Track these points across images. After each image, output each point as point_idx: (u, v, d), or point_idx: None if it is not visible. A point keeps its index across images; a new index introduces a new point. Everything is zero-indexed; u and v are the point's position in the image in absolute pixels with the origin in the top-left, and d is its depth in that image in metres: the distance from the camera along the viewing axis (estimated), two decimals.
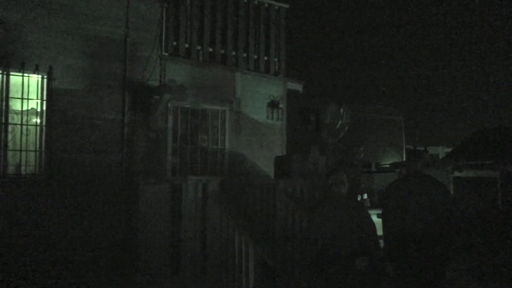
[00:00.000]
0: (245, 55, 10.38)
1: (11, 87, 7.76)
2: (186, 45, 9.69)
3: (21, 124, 7.76)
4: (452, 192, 11.64)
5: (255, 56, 10.54)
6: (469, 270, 8.73)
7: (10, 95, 7.74)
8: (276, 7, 10.83)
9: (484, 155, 15.57)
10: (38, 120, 8.07)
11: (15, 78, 7.79)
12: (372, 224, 5.36)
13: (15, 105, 7.80)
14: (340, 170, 5.46)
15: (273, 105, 10.44)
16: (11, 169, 7.77)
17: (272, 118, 10.46)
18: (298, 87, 11.19)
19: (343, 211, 5.26)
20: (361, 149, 10.20)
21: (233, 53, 10.23)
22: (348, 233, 5.17)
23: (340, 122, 8.55)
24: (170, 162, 9.28)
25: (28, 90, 7.84)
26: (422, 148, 25.71)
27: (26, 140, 7.78)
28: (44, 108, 8.03)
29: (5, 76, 7.69)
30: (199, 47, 9.84)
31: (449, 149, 23.47)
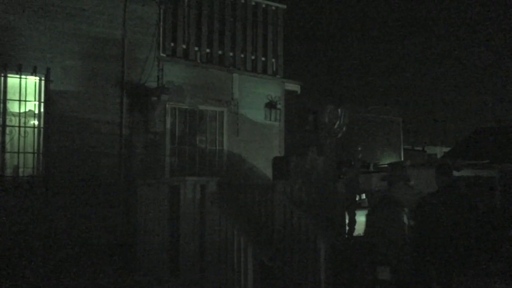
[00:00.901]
0: (242, 55, 10.39)
1: (9, 89, 7.75)
2: (184, 46, 9.70)
3: (19, 126, 7.75)
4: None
5: (253, 57, 10.55)
6: (466, 270, 8.71)
7: (8, 97, 7.73)
8: (274, 8, 10.84)
9: (483, 154, 15.59)
10: (36, 122, 8.06)
11: (13, 80, 7.78)
12: None
13: (13, 107, 7.79)
14: (403, 165, 5.56)
15: (271, 105, 10.45)
16: (9, 171, 7.77)
17: (270, 119, 10.47)
18: (295, 87, 11.20)
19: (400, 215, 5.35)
20: (359, 149, 10.21)
21: (231, 53, 10.24)
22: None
23: (338, 122, 8.55)
24: (168, 163, 9.28)
25: (26, 92, 7.84)
26: (420, 148, 25.78)
27: (24, 142, 7.77)
28: (42, 110, 8.02)
29: (2, 78, 7.69)
30: (196, 48, 9.84)
31: (447, 149, 23.49)
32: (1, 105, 7.68)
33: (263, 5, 10.71)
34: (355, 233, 9.03)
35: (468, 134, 21.77)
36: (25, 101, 7.84)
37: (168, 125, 9.29)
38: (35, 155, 7.95)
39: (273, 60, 10.81)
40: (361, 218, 9.17)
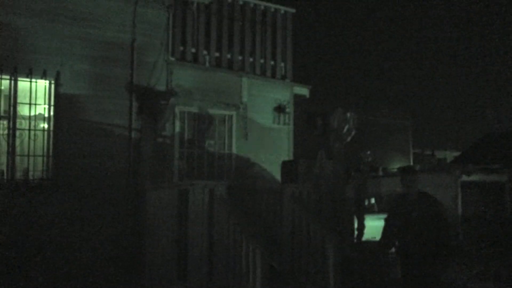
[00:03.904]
0: (251, 59, 10.39)
1: (19, 93, 7.80)
2: (193, 50, 9.72)
3: (29, 129, 7.80)
4: (459, 196, 11.58)
5: (262, 61, 10.55)
6: (476, 275, 8.67)
7: (18, 101, 7.78)
8: (283, 12, 10.84)
9: (492, 159, 15.50)
10: (46, 125, 8.10)
11: (23, 84, 7.83)
12: None
13: (23, 110, 7.83)
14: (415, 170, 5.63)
15: (279, 109, 10.44)
16: (19, 174, 7.80)
17: (279, 123, 10.46)
18: (304, 91, 11.19)
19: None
20: (368, 153, 10.15)
21: (240, 57, 10.25)
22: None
23: (347, 126, 8.52)
24: (177, 167, 9.29)
25: (36, 95, 7.88)
26: (430, 152, 25.67)
27: (34, 145, 7.81)
28: (52, 113, 8.06)
29: (13, 81, 7.74)
30: (205, 52, 9.86)
31: (457, 153, 23.37)
32: (12, 108, 7.73)
33: (272, 9, 10.72)
34: (364, 237, 9.00)
35: (479, 139, 21.66)
36: (35, 104, 7.88)
37: (177, 129, 9.30)
38: (45, 158, 7.98)
39: (282, 64, 10.81)
40: (370, 223, 9.15)
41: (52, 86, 8.06)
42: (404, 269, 5.62)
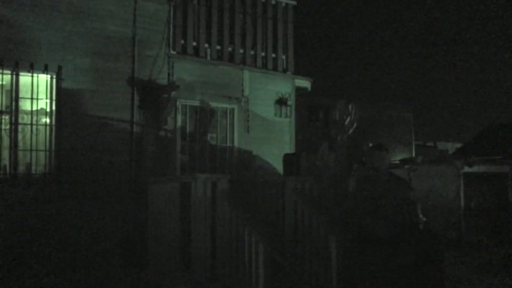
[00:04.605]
0: (252, 52, 10.38)
1: (21, 87, 7.80)
2: (194, 44, 9.71)
3: (31, 124, 7.81)
4: (462, 187, 11.58)
5: (263, 54, 10.53)
6: (479, 266, 8.69)
7: (20, 95, 7.79)
8: (284, 4, 10.81)
9: (495, 150, 15.49)
10: (48, 120, 8.11)
11: (25, 78, 7.83)
12: None
13: (25, 105, 7.84)
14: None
15: (281, 102, 10.44)
16: (21, 169, 7.83)
17: (281, 116, 10.46)
18: (306, 84, 11.17)
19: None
20: (371, 145, 10.14)
21: (241, 50, 10.23)
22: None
23: (349, 118, 8.51)
24: (179, 160, 9.31)
25: (38, 90, 7.89)
26: (432, 144, 25.64)
27: (36, 140, 7.83)
28: (54, 107, 8.07)
29: (14, 76, 7.74)
30: (207, 45, 9.85)
31: (459, 145, 23.36)
32: (14, 103, 7.74)
33: (273, 1, 10.69)
34: None
35: (481, 130, 21.63)
36: (37, 99, 7.89)
37: (179, 122, 9.31)
38: (47, 152, 8.00)
39: (284, 56, 10.79)
40: None
41: (54, 80, 8.06)
42: (370, 257, 5.20)
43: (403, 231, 5.17)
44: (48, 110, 8.11)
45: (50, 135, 8.03)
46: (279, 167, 9.89)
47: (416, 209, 5.33)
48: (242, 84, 10.06)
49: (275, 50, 10.69)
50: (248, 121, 10.03)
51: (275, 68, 10.65)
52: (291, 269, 6.71)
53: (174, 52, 9.31)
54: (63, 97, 8.08)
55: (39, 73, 7.89)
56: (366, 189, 5.49)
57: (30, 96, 7.82)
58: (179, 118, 9.33)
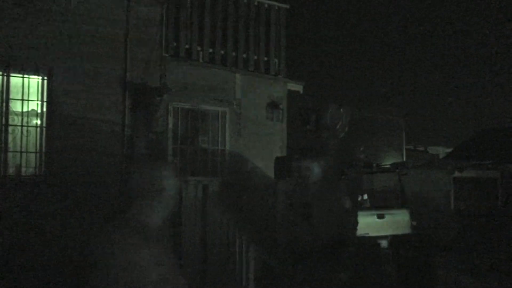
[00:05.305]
0: (245, 55, 10.39)
1: (12, 89, 7.77)
2: (186, 46, 9.71)
3: (22, 126, 7.77)
4: (452, 192, 11.64)
5: (255, 57, 10.55)
6: (469, 269, 8.73)
7: (11, 97, 7.75)
8: (276, 8, 10.84)
9: (485, 155, 15.58)
10: (39, 122, 8.07)
11: (16, 80, 7.79)
12: None
13: (16, 106, 7.80)
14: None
15: (273, 105, 10.45)
16: (11, 171, 7.78)
17: (272, 119, 10.47)
18: (298, 87, 11.21)
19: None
20: (362, 149, 10.20)
21: (233, 53, 10.24)
22: None
23: (340, 122, 8.53)
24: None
25: (29, 91, 7.85)
26: (423, 148, 25.71)
27: (27, 141, 7.79)
28: (45, 109, 8.03)
29: (5, 77, 7.70)
30: (199, 48, 9.85)
31: (449, 149, 23.46)
32: (4, 104, 7.70)
33: (266, 5, 10.71)
34: (358, 233, 9.03)
35: (471, 135, 21.74)
36: (28, 100, 7.86)
37: (170, 125, 9.30)
38: (38, 154, 7.96)
39: (276, 60, 10.81)
40: (362, 219, 9.17)
41: (45, 82, 8.02)
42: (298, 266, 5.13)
43: (337, 243, 4.97)
44: (39, 111, 8.07)
45: (41, 136, 7.99)
46: (270, 170, 9.89)
47: (356, 219, 5.18)
48: (234, 87, 10.07)
49: (267, 54, 10.71)
50: (239, 124, 10.03)
51: (267, 72, 10.67)
52: (282, 271, 6.72)
53: (167, 55, 9.30)
54: (54, 98, 8.05)
55: (30, 74, 7.86)
56: (296, 195, 5.34)
57: (21, 98, 7.78)
58: (171, 120, 9.32)
